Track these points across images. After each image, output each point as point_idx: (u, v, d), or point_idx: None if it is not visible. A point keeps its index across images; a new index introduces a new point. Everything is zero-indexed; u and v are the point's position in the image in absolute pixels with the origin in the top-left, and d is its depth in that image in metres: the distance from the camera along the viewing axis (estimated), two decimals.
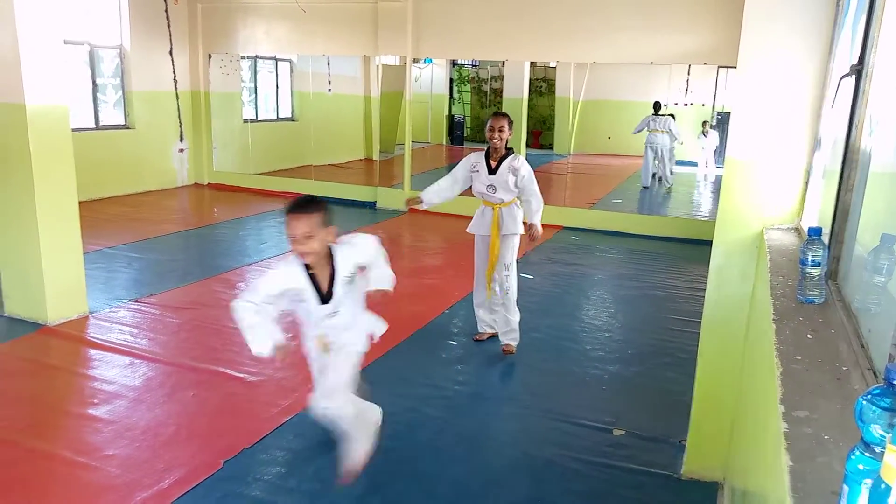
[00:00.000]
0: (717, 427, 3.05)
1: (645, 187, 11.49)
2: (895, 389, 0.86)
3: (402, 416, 3.64)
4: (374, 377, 4.12)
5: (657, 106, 11.40)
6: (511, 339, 4.52)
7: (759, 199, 2.85)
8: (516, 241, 4.42)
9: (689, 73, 11.90)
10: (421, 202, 4.49)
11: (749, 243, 2.88)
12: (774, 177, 2.81)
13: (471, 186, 4.45)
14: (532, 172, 4.35)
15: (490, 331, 4.71)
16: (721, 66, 10.86)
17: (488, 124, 4.29)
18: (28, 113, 4.42)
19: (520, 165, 4.29)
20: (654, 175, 11.51)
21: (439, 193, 4.48)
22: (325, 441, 3.38)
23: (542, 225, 4.41)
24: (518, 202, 4.40)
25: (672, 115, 11.52)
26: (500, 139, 4.25)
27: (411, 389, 3.98)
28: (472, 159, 4.40)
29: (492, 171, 4.32)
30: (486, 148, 4.38)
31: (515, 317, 4.49)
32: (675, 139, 11.46)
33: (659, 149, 11.29)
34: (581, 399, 3.98)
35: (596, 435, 3.53)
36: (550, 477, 3.17)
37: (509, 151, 4.34)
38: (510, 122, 4.31)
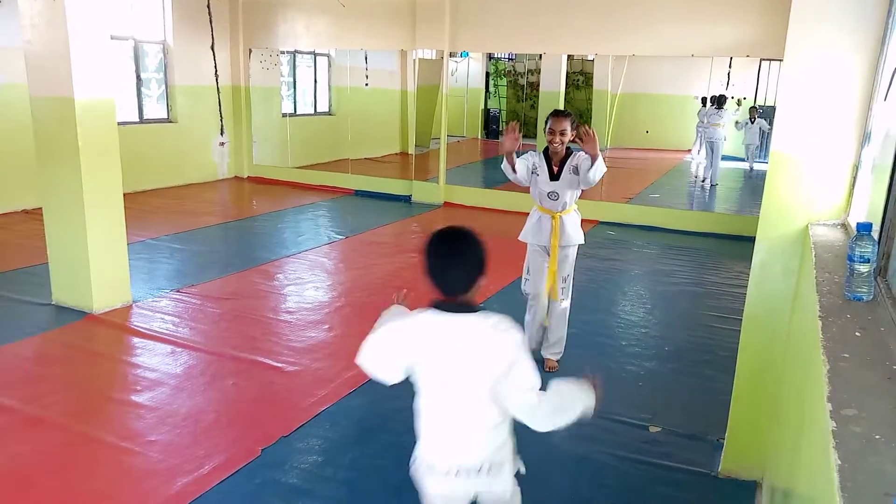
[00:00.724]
0: (757, 425, 3.00)
1: (714, 184, 11.29)
2: None
3: None
4: None
5: (722, 100, 11.19)
6: (554, 354, 4.23)
7: (804, 193, 2.79)
8: (575, 252, 4.14)
9: (730, 66, 11.64)
10: (512, 158, 3.91)
11: (793, 239, 2.82)
12: (821, 171, 2.75)
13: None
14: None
15: (535, 346, 4.25)
16: (764, 59, 10.63)
17: (548, 126, 3.91)
18: (77, 107, 4.54)
19: (580, 161, 3.90)
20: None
21: (511, 169, 3.96)
22: (361, 431, 3.42)
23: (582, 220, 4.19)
24: (577, 207, 4.13)
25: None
26: (562, 143, 3.90)
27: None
28: (533, 159, 4.03)
29: (554, 177, 3.99)
30: (544, 148, 4.03)
31: (565, 330, 4.24)
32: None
33: (713, 142, 11.13)
34: (617, 395, 3.94)
35: (632, 431, 3.50)
36: (585, 472, 3.15)
37: (568, 151, 4.00)
38: (573, 123, 3.92)
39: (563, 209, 4.05)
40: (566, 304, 4.21)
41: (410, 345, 1.93)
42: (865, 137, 2.67)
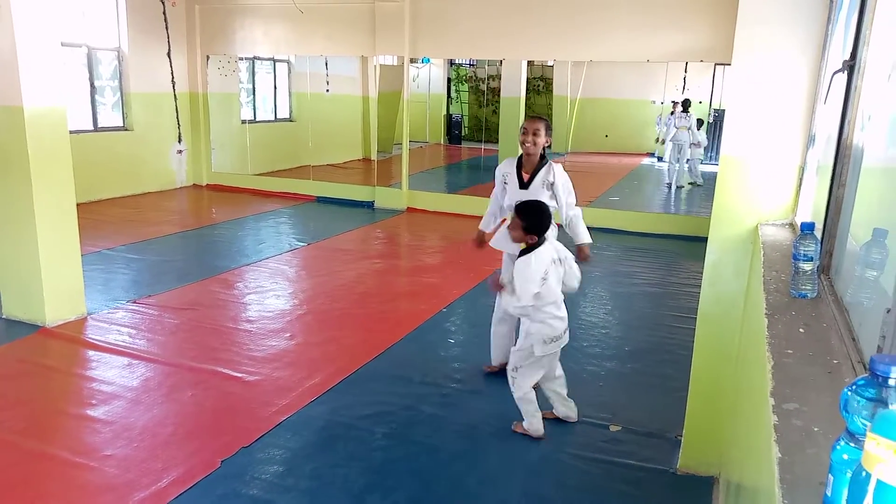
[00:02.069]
0: (713, 422, 3.06)
1: (679, 186, 11.49)
2: (879, 380, 0.87)
3: (399, 415, 3.65)
4: (372, 375, 4.14)
5: (687, 104, 11.42)
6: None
7: (753, 195, 2.86)
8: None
9: (686, 71, 11.90)
10: (483, 237, 4.10)
11: (744, 239, 2.89)
12: (769, 173, 2.83)
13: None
14: (569, 182, 3.87)
15: (504, 361, 3.98)
16: (718, 64, 10.88)
17: (522, 127, 3.83)
18: (26, 115, 4.42)
19: (555, 178, 3.79)
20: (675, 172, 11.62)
21: (494, 218, 4.09)
22: (323, 440, 3.39)
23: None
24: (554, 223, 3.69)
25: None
26: (535, 144, 3.76)
27: (409, 388, 3.99)
28: (503, 169, 3.93)
29: (524, 185, 3.84)
30: (518, 156, 3.90)
31: None
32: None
33: (682, 146, 11.42)
34: (578, 395, 3.97)
35: (593, 431, 3.54)
36: (547, 473, 3.18)
37: (543, 161, 3.86)
38: (548, 126, 3.82)
39: None
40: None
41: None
42: (810, 139, 2.76)
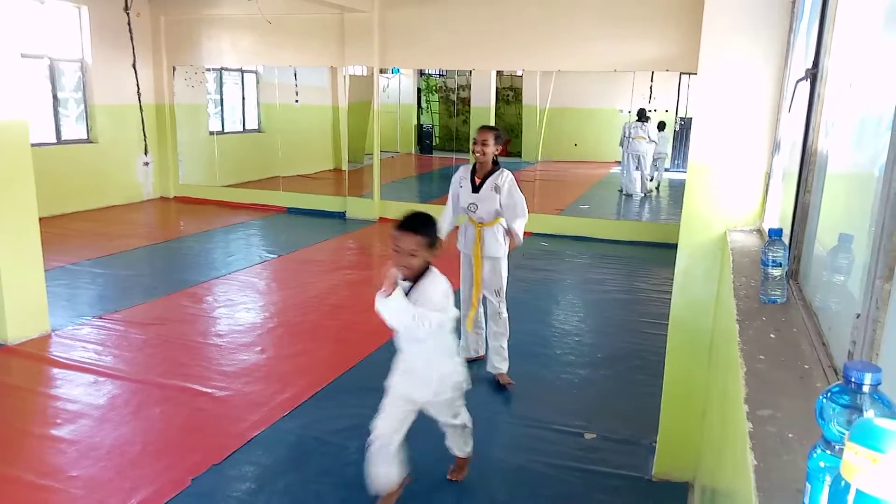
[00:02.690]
0: (686, 428, 3.08)
1: (627, 194, 11.64)
2: (853, 387, 0.88)
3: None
4: (345, 388, 4.10)
5: (641, 113, 11.56)
6: (500, 367, 4.23)
7: (721, 202, 2.90)
8: (502, 265, 4.17)
9: (652, 80, 12.08)
10: (440, 243, 4.18)
11: (713, 245, 2.92)
12: (736, 180, 2.87)
13: None
14: (514, 186, 4.06)
15: (473, 355, 4.42)
16: (683, 73, 11.07)
17: (473, 137, 4.11)
18: None
19: (503, 182, 4.04)
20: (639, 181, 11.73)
21: (450, 224, 4.27)
22: (296, 455, 3.34)
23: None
24: (503, 222, 4.12)
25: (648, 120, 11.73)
26: (484, 153, 4.03)
27: (381, 399, 3.94)
28: (460, 174, 4.22)
29: (475, 189, 4.11)
30: (473, 163, 4.16)
31: (504, 340, 4.23)
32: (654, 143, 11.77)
33: (640, 156, 11.54)
34: (552, 404, 3.99)
35: (567, 439, 3.54)
36: (522, 482, 3.17)
37: (496, 167, 4.11)
38: (497, 136, 4.07)
39: (482, 222, 4.11)
40: (504, 318, 4.22)
41: None
42: (775, 146, 2.81)
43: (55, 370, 4.29)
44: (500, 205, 4.06)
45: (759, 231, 2.82)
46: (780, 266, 1.99)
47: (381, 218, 9.48)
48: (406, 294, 2.65)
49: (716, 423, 2.22)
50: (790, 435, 1.23)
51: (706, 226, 2.93)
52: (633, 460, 3.34)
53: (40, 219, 4.78)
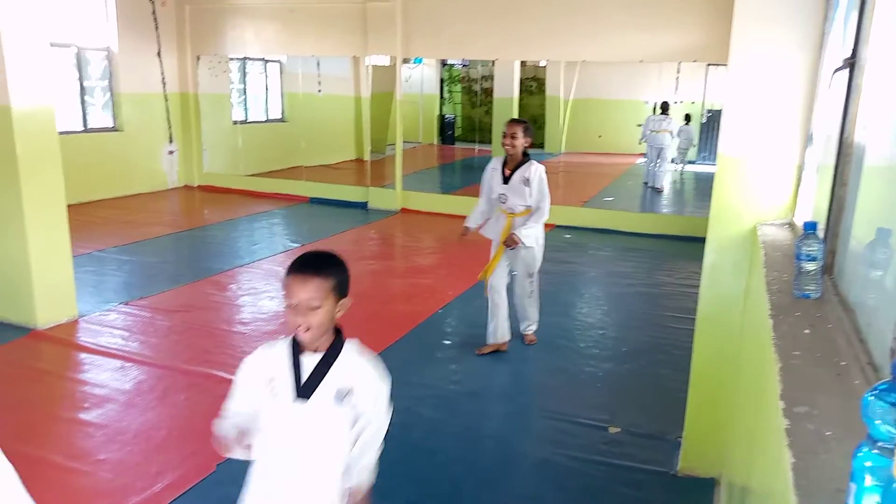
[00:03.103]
0: (713, 423, 3.05)
1: (652, 187, 11.47)
2: None
3: (396, 417, 3.57)
4: None
5: (665, 106, 11.38)
6: (529, 329, 4.66)
7: (751, 195, 2.85)
8: (531, 254, 4.37)
9: (678, 71, 11.92)
10: (467, 231, 4.47)
11: (742, 239, 2.87)
12: (767, 173, 2.81)
13: None
14: (544, 182, 4.25)
15: (494, 343, 4.46)
16: (711, 64, 10.91)
17: (503, 131, 4.26)
18: (14, 115, 4.36)
19: (532, 175, 4.21)
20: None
21: (481, 216, 4.47)
22: None
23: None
24: (534, 215, 4.28)
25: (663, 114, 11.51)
26: (514, 146, 4.19)
27: (405, 390, 3.95)
28: (492, 164, 4.39)
29: (505, 180, 4.27)
30: (505, 156, 4.32)
31: (535, 311, 4.64)
32: (674, 138, 11.56)
33: (662, 149, 11.30)
34: (576, 397, 3.97)
35: (591, 433, 3.52)
36: (546, 475, 3.15)
37: (526, 159, 4.26)
38: (526, 128, 4.22)
39: (512, 212, 4.29)
40: (535, 297, 4.61)
41: None
42: (809, 138, 2.75)
43: (83, 355, 4.35)
44: (530, 196, 4.23)
45: (791, 225, 2.76)
46: (815, 260, 1.95)
47: (402, 209, 9.49)
48: (309, 385, 1.77)
49: (746, 420, 2.18)
50: (828, 433, 1.20)
51: (736, 219, 2.88)
52: (658, 455, 3.31)
53: (67, 206, 4.84)
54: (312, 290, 1.75)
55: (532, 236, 4.25)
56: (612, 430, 3.55)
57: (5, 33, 4.26)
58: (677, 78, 12.00)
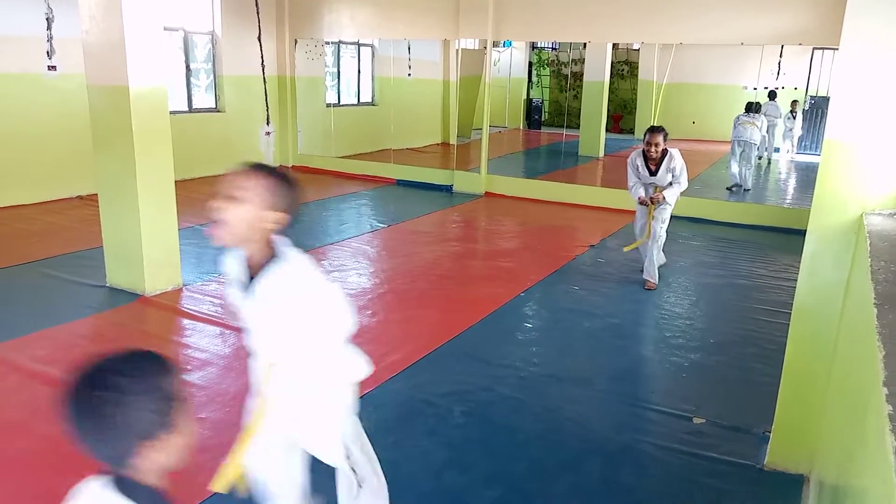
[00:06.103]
0: (805, 419, 2.95)
1: (736, 185, 10.33)
2: None
3: (477, 395, 3.69)
4: (450, 354, 4.19)
5: (772, 94, 10.69)
6: (651, 276, 5.51)
7: (859, 182, 2.72)
8: (670, 209, 5.50)
9: (781, 55, 11.32)
10: (642, 200, 5.53)
11: (846, 229, 2.75)
12: (876, 159, 2.67)
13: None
14: (685, 167, 5.36)
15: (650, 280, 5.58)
16: (817, 48, 10.32)
17: (645, 139, 5.32)
18: (131, 95, 4.67)
19: (675, 164, 5.30)
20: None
21: (642, 188, 5.51)
22: (403, 414, 3.47)
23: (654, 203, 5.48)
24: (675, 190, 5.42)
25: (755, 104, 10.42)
26: (657, 153, 5.30)
27: (486, 369, 4.01)
28: (635, 159, 5.46)
29: (653, 173, 5.37)
30: (642, 150, 5.38)
31: (654, 260, 5.50)
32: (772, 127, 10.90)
33: (748, 144, 10.07)
34: (660, 386, 3.92)
35: (675, 422, 3.47)
36: (627, 461, 3.14)
37: (664, 153, 5.30)
38: (665, 136, 5.30)
39: (660, 186, 5.46)
40: (661, 239, 5.56)
41: None
42: None
43: (185, 321, 4.64)
44: (673, 177, 5.36)
45: None
46: None
47: (487, 192, 9.52)
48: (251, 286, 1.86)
49: (845, 415, 2.11)
50: None
51: (840, 207, 2.76)
52: (743, 448, 3.23)
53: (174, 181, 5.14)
54: (240, 179, 1.79)
55: (672, 196, 5.40)
56: (697, 420, 3.48)
57: (126, 18, 4.55)
58: (780, 62, 11.42)
